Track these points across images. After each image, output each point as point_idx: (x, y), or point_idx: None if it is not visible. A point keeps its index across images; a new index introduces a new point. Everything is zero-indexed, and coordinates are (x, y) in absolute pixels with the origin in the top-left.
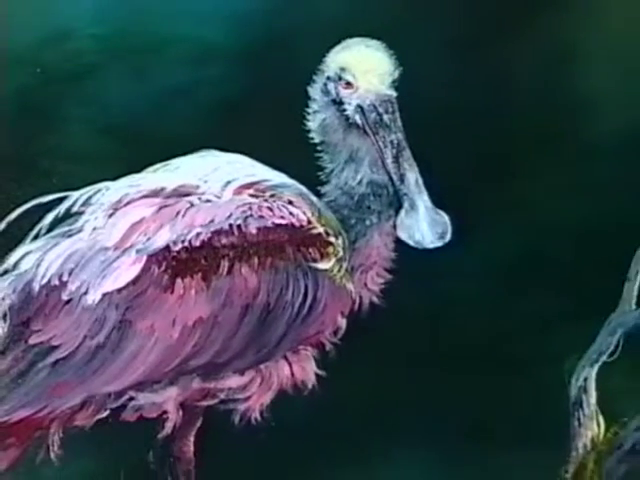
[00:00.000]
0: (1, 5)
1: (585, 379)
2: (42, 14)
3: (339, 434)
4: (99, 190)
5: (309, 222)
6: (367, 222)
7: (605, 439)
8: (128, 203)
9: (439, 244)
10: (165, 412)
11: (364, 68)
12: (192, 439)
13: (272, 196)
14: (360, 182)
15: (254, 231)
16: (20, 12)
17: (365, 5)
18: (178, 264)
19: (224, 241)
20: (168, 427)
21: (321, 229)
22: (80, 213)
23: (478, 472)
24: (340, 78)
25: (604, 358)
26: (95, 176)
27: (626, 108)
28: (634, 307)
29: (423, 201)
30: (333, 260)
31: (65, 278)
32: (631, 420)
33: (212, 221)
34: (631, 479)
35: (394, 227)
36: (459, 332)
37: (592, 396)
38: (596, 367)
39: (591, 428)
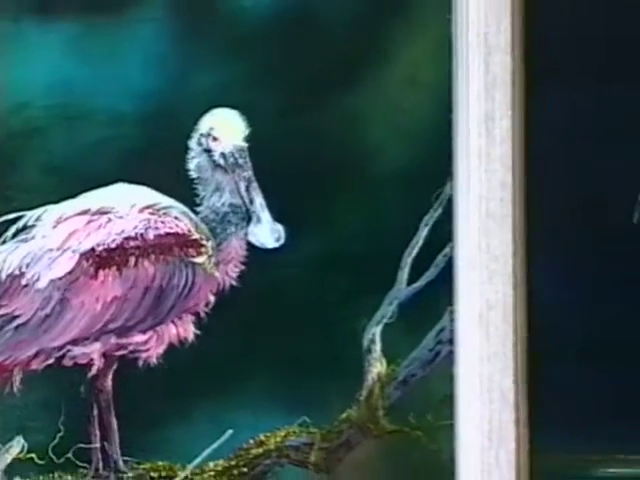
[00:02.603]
0: None
1: (373, 334)
2: (8, 92)
3: (209, 373)
4: (46, 210)
5: (189, 231)
6: (228, 231)
7: (386, 374)
8: (66, 219)
9: (276, 245)
10: (92, 359)
11: (225, 128)
12: (110, 377)
13: (164, 214)
14: (223, 204)
15: (152, 237)
16: None
17: (227, 85)
18: (100, 260)
19: (131, 244)
20: (94, 369)
21: (197, 236)
22: (33, 226)
23: (301, 394)
24: (209, 134)
25: (385, 320)
26: (43, 201)
27: (399, 155)
28: (404, 286)
29: (265, 216)
30: (205, 257)
31: (23, 270)
32: (403, 361)
33: (123, 231)
34: (403, 400)
35: (246, 234)
36: (290, 304)
37: (378, 345)
38: (380, 326)
39: (377, 367)
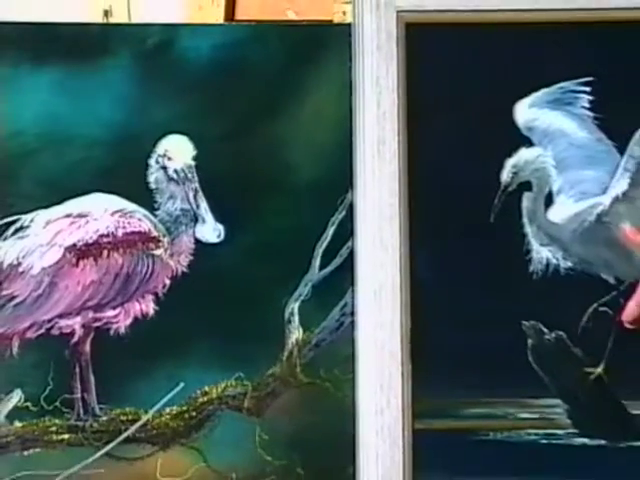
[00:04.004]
0: None
1: (292, 308)
2: (7, 123)
3: (165, 340)
4: (37, 214)
5: (149, 230)
6: (180, 229)
7: (302, 339)
8: (54, 221)
9: (217, 240)
10: (74, 330)
11: (177, 150)
12: (88, 343)
13: (130, 216)
14: (176, 209)
15: (121, 235)
16: None
17: (178, 117)
18: (80, 252)
19: (105, 240)
20: (75, 337)
21: (156, 233)
22: (28, 226)
23: (237, 355)
24: (165, 155)
25: (302, 298)
26: (35, 207)
27: (312, 170)
28: (317, 271)
29: (209, 218)
30: (162, 249)
31: (20, 260)
32: (315, 329)
33: (98, 230)
34: (316, 359)
35: (194, 232)
36: (228, 286)
37: (296, 317)
38: (298, 302)
39: (295, 334)
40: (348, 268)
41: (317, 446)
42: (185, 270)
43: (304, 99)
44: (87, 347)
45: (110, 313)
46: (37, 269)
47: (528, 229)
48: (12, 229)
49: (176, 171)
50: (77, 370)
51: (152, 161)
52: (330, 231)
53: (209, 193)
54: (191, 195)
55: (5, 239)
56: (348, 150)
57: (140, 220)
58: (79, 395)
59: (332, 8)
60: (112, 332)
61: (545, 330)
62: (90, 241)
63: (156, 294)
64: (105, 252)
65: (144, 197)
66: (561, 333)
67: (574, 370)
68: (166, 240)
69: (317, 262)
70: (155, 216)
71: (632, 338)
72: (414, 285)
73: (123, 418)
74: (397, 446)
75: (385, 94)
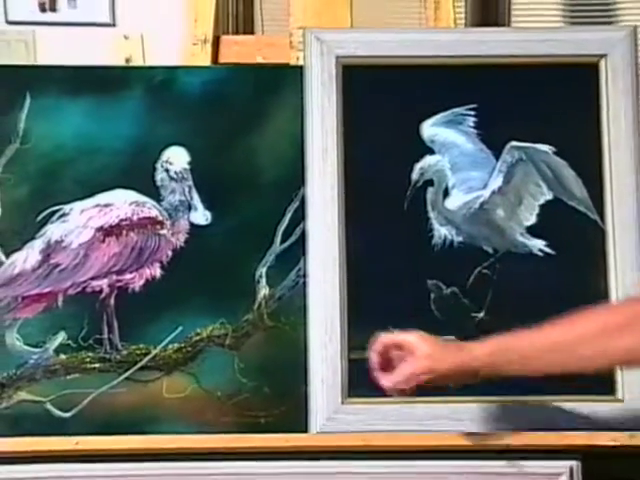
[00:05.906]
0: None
1: (261, 272)
2: (52, 139)
3: (168, 295)
4: (75, 204)
5: (157, 216)
6: (178, 215)
7: (268, 295)
8: (87, 209)
9: (206, 223)
10: (102, 288)
11: (177, 157)
12: (113, 297)
13: (143, 206)
14: (175, 200)
15: (136, 219)
16: (42, 136)
17: (177, 133)
18: (106, 232)
19: (124, 223)
20: (103, 294)
21: (161, 218)
22: (68, 214)
23: (221, 306)
24: (167, 161)
25: (268, 264)
26: (73, 199)
27: (275, 171)
28: (279, 245)
29: (199, 207)
30: (166, 230)
31: (63, 238)
32: (278, 287)
33: (119, 215)
34: (278, 308)
35: (189, 217)
36: (214, 256)
37: (263, 279)
38: (265, 268)
39: (263, 290)
40: (301, 243)
41: (279, 371)
42: (182, 245)
43: (269, 120)
44: (112, 301)
45: (128, 276)
46: (75, 244)
47: (431, 214)
48: (57, 215)
49: (176, 173)
50: (105, 317)
51: (158, 165)
52: (288, 216)
53: (200, 189)
54: (187, 190)
55: (52, 223)
56: (301, 156)
57: (150, 208)
58: (106, 336)
59: (289, 54)
60: (130, 290)
61: (443, 287)
62: (113, 224)
63: (162, 262)
64: (124, 232)
65: (152, 191)
66: (455, 289)
67: (464, 315)
68: (169, 223)
69: (278, 239)
70: (160, 205)
71: (505, 293)
72: (349, 255)
73: (138, 352)
74: (337, 371)
75: (327, 116)
